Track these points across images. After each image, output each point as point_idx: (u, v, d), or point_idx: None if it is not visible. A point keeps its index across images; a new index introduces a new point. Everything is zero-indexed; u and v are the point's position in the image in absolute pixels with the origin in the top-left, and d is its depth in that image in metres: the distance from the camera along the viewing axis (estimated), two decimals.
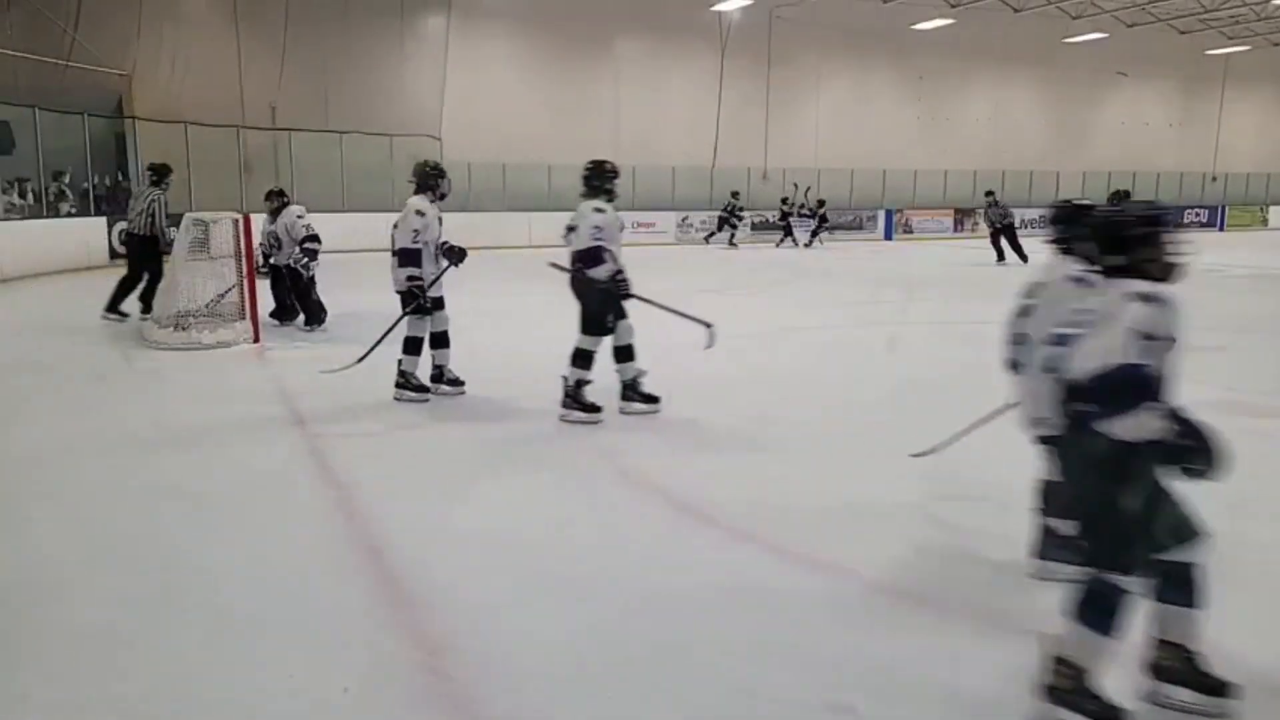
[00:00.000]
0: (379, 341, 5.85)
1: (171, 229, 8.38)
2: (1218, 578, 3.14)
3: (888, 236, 24.03)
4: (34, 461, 4.45)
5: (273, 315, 8.23)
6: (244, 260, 7.73)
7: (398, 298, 5.61)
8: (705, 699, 2.37)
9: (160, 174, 8.72)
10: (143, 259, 8.57)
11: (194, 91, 17.01)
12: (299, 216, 8.13)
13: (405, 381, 5.62)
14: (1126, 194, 8.99)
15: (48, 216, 13.84)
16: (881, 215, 24.16)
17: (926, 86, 25.43)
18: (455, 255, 5.58)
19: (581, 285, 5.14)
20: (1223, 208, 28.74)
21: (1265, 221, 29.10)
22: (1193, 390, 6.05)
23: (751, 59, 22.94)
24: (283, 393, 5.96)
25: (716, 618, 2.82)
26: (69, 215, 14.32)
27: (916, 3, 23.25)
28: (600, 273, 5.06)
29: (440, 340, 5.73)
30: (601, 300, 5.10)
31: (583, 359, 5.12)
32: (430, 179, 5.57)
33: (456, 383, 5.81)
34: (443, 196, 5.60)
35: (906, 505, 3.85)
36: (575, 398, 5.13)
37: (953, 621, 2.82)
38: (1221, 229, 28.12)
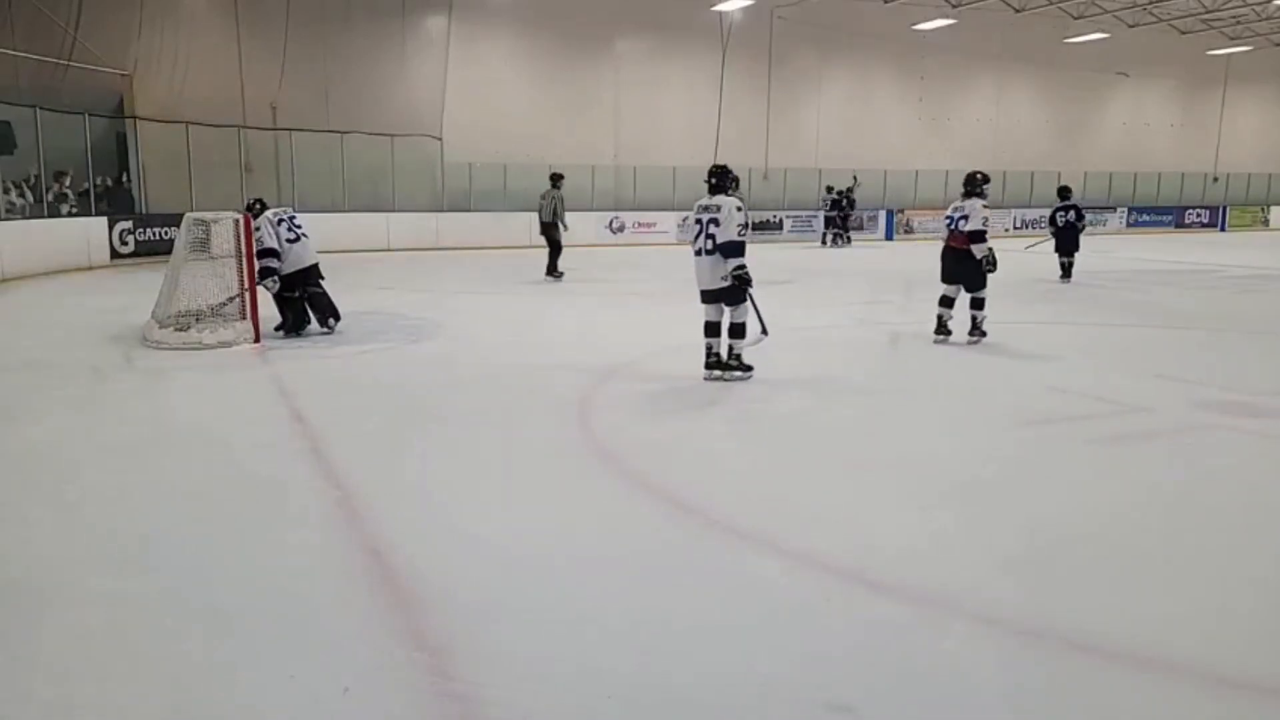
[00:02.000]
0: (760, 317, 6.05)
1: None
2: (1226, 578, 3.15)
3: (888, 237, 24.04)
4: (34, 461, 4.46)
5: (277, 328, 8.00)
6: (244, 260, 7.70)
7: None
8: (705, 696, 2.37)
9: (556, 180, 12.73)
10: (549, 239, 12.82)
11: (195, 91, 17.03)
12: (256, 229, 7.72)
13: (739, 363, 6.17)
14: (1069, 189, 13.17)
15: (48, 216, 13.85)
16: (883, 215, 24.16)
17: (928, 87, 25.44)
18: None
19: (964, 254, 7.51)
20: (1224, 208, 28.73)
21: (1266, 222, 29.09)
22: (1191, 390, 6.07)
23: (752, 59, 22.97)
24: (283, 392, 5.96)
25: (716, 615, 2.82)
26: (69, 215, 14.33)
27: (918, 3, 23.23)
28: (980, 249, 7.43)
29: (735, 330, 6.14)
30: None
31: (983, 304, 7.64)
32: (731, 180, 6.13)
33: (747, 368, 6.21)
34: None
35: (906, 503, 3.85)
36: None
37: (953, 620, 2.82)
38: (1223, 229, 28.11)
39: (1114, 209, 27.14)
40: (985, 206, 7.46)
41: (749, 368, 6.15)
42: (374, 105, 18.88)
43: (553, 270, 12.93)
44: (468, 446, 4.77)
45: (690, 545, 3.44)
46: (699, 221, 6.02)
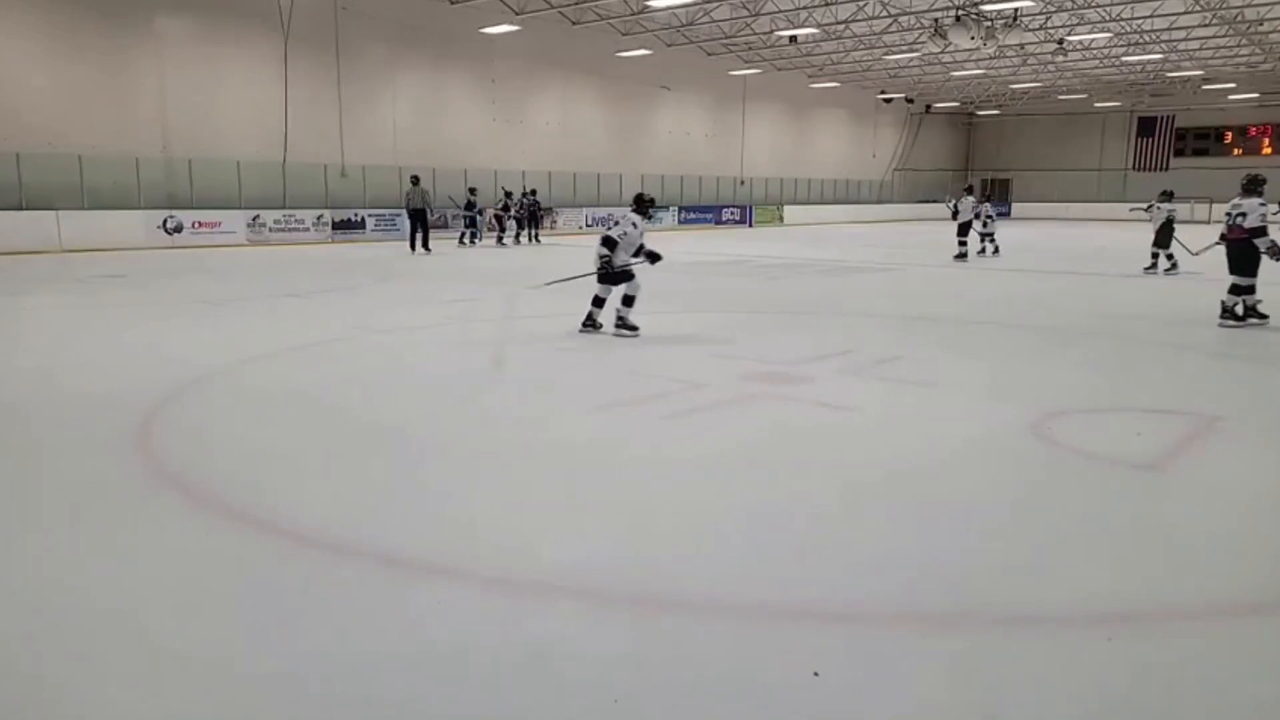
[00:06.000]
0: None
1: None
2: (776, 515, 3.70)
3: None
4: None
5: None
6: None
7: None
8: None
9: (416, 180, 18.83)
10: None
11: None
12: None
13: (626, 324, 7.96)
14: (648, 200, 14.14)
15: None
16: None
17: (500, 90, 26.27)
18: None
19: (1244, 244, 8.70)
20: (750, 207, 33.89)
21: (782, 219, 34.90)
22: (737, 365, 7.00)
23: (321, 49, 21.82)
24: None
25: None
26: None
27: (484, 7, 23.84)
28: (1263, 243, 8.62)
29: None
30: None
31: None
32: (648, 202, 8.35)
33: None
34: None
35: (506, 486, 3.98)
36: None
37: (559, 600, 2.98)
38: (750, 225, 33.14)
39: (667, 208, 30.56)
40: (1263, 205, 8.52)
41: (635, 327, 7.96)
42: None
43: (427, 244, 18.62)
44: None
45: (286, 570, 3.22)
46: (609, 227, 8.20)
